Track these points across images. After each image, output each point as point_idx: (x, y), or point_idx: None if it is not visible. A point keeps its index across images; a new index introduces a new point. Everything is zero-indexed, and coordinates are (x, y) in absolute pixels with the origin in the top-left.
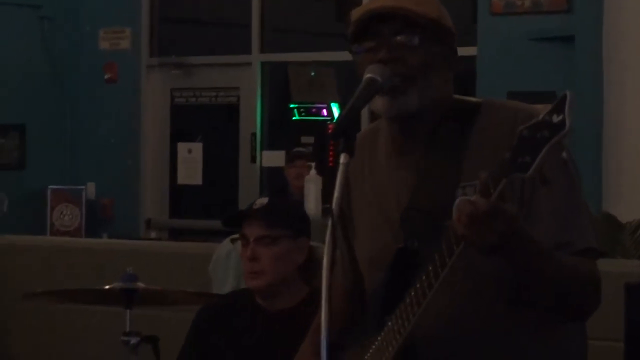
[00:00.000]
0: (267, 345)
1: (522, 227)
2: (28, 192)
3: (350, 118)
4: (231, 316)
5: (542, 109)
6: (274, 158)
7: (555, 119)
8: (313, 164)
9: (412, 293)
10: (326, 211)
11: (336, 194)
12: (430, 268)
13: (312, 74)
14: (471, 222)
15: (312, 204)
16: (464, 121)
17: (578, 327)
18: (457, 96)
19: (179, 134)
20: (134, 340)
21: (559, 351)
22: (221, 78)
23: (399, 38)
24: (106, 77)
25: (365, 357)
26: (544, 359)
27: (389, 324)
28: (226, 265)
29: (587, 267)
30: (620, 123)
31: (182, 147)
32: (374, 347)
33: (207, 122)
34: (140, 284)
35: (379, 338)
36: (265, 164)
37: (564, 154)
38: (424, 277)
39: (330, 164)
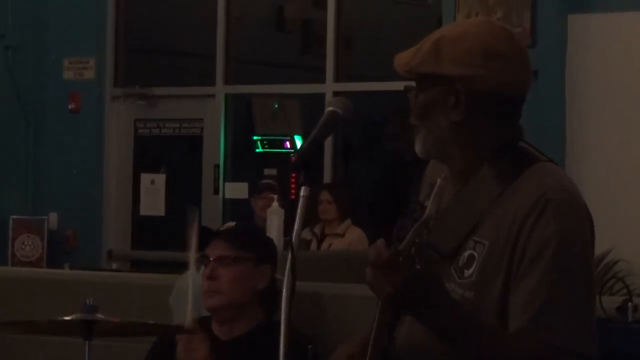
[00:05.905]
0: None
1: (432, 290)
2: None
3: (311, 150)
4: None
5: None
6: (237, 190)
7: (427, 202)
8: (275, 196)
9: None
10: (287, 243)
11: (296, 226)
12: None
13: (276, 106)
14: (371, 269)
15: (274, 235)
16: (504, 176)
17: None
18: (524, 145)
19: (142, 164)
20: None
21: None
22: (185, 109)
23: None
24: (70, 107)
25: None
26: None
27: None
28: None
29: (532, 350)
30: (583, 157)
31: (145, 177)
32: None
33: (170, 153)
34: (100, 316)
35: None
36: (228, 195)
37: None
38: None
39: (292, 196)
